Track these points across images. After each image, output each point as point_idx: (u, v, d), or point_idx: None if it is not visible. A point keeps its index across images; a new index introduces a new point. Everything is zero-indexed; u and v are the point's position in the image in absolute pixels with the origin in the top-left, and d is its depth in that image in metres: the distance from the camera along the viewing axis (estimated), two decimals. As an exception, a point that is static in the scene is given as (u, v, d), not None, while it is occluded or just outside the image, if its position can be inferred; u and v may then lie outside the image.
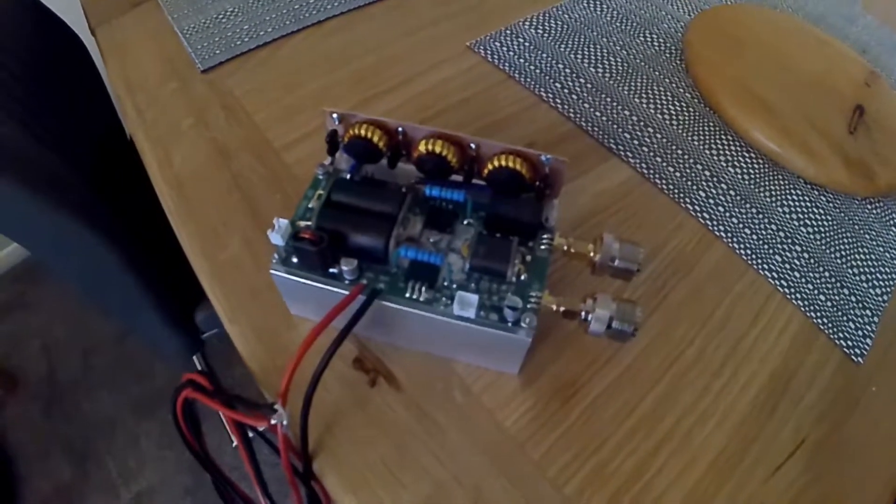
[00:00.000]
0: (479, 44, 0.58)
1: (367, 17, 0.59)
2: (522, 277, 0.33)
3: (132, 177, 0.79)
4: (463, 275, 0.33)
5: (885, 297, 0.44)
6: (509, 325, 0.31)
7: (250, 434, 0.36)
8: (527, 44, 0.58)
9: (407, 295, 0.32)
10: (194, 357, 1.09)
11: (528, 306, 0.31)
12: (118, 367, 1.08)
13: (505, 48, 0.57)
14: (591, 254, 0.33)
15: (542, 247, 0.34)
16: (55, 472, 0.99)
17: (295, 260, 0.32)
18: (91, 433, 1.02)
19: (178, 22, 0.54)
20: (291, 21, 0.56)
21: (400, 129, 0.35)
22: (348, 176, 0.36)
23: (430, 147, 0.33)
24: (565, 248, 0.34)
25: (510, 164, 0.33)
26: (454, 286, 0.32)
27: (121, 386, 1.06)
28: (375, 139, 0.34)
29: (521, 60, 0.56)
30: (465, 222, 0.35)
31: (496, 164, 0.33)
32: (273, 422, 0.30)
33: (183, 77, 0.51)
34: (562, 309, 0.32)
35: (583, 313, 0.31)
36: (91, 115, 0.76)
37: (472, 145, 0.34)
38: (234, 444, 1.01)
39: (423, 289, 0.32)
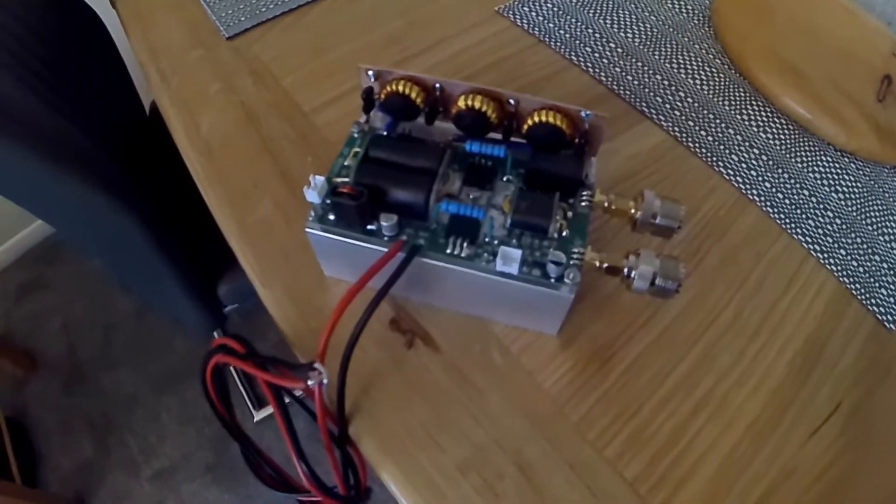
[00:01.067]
0: (508, 8, 0.57)
1: (395, -18, 0.58)
2: (564, 234, 0.32)
3: (153, 151, 0.80)
4: (504, 230, 0.32)
5: (919, 265, 0.43)
6: (552, 280, 0.30)
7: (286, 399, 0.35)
8: (555, 9, 0.57)
9: (448, 251, 0.31)
10: (215, 333, 1.10)
11: (571, 262, 0.31)
12: (138, 344, 1.08)
13: (534, 13, 0.57)
14: (632, 210, 0.33)
15: (583, 203, 0.33)
16: (76, 449, 1.00)
17: (332, 217, 0.32)
18: (111, 410, 1.02)
19: (203, -12, 0.54)
20: (317, -13, 0.55)
21: (437, 85, 0.34)
22: (385, 133, 0.35)
23: (469, 102, 0.33)
24: (606, 204, 0.33)
25: (551, 120, 0.33)
26: (495, 242, 0.32)
27: (141, 362, 1.07)
28: (413, 95, 0.34)
29: (551, 25, 0.56)
30: (505, 179, 0.34)
31: (536, 119, 0.33)
32: (310, 382, 0.29)
33: (208, 45, 0.51)
34: (605, 265, 0.31)
35: (626, 269, 0.31)
36: (110, 91, 0.76)
37: (512, 101, 0.34)
38: (256, 419, 1.02)
39: (465, 245, 0.31)
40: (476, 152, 0.33)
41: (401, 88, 0.34)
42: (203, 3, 0.53)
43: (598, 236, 0.40)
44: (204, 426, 1.02)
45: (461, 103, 0.33)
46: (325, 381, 0.29)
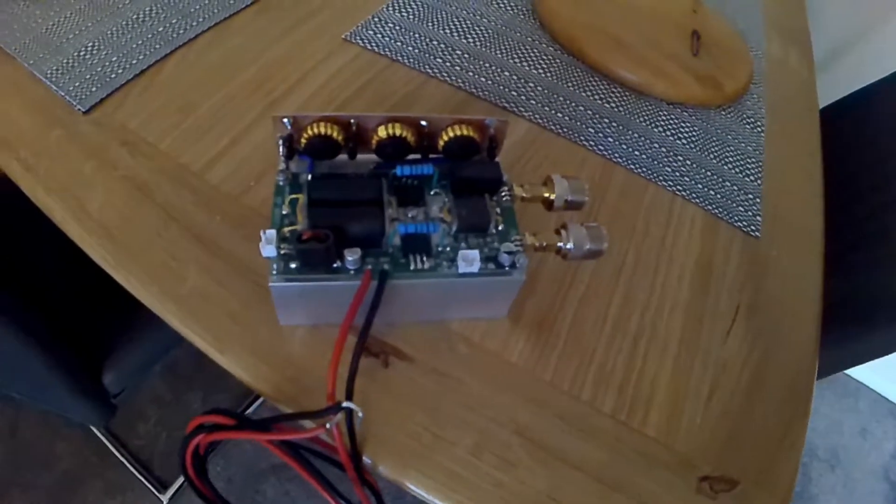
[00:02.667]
0: (354, 34, 0.59)
1: (236, 28, 0.58)
2: (500, 227, 0.36)
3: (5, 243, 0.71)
4: (451, 238, 0.36)
5: (758, 182, 0.54)
6: (506, 269, 0.35)
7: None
8: (397, 28, 0.61)
9: (412, 268, 0.34)
10: (97, 431, 1.00)
11: (517, 249, 0.35)
12: (20, 462, 0.96)
13: (379, 35, 0.60)
14: (546, 194, 0.38)
15: (505, 198, 0.38)
16: None
17: (293, 266, 0.33)
18: (17, 542, 0.90)
19: (38, 67, 0.49)
20: (161, 44, 0.53)
21: (352, 120, 0.36)
22: (309, 176, 0.37)
23: (390, 131, 0.36)
24: (523, 195, 0.38)
25: (464, 132, 0.37)
26: (448, 249, 0.35)
27: (30, 480, 0.95)
28: (334, 134, 0.36)
29: (398, 44, 0.59)
30: (433, 192, 0.38)
31: (451, 134, 0.37)
32: (328, 426, 0.31)
33: (65, 122, 0.47)
34: (543, 244, 0.36)
35: (560, 244, 0.36)
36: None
37: (423, 123, 0.37)
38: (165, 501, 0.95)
39: (424, 258, 0.34)
40: (408, 174, 0.36)
41: (321, 130, 0.35)
42: (45, 80, 0.49)
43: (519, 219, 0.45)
44: (121, 526, 0.94)
45: (381, 133, 0.36)
46: (360, 414, 0.30)
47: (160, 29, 0.54)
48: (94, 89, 0.49)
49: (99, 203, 0.44)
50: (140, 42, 0.53)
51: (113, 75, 0.50)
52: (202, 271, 0.41)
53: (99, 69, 0.50)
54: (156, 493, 0.97)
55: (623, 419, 0.38)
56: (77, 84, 0.49)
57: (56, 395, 0.65)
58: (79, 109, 0.48)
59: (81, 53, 0.51)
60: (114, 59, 0.51)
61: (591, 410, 0.38)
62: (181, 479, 0.98)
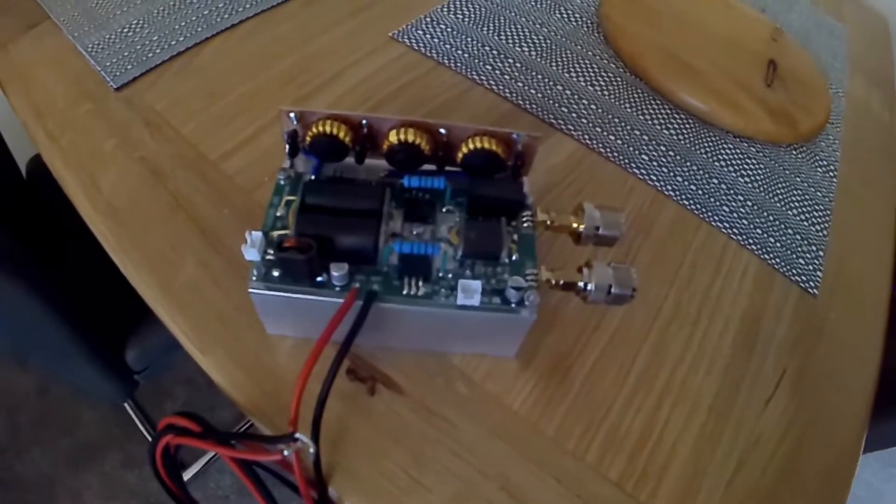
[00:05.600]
0: (402, 33, 0.56)
1: (282, 17, 0.56)
2: (514, 257, 0.32)
3: (35, 215, 0.72)
4: (455, 262, 0.32)
5: (825, 232, 0.47)
6: (513, 305, 0.30)
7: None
8: (449, 29, 0.58)
9: (404, 292, 0.30)
10: (125, 404, 1.01)
11: (528, 284, 0.31)
12: (45, 423, 0.99)
13: (428, 35, 0.57)
14: (574, 225, 0.33)
15: (525, 224, 0.33)
16: (-5, 546, 0.89)
17: (276, 274, 0.30)
18: (30, 496, 0.93)
19: (81, 40, 0.49)
20: (203, 27, 0.52)
21: (364, 121, 0.33)
22: (313, 177, 0.34)
23: (402, 136, 0.32)
24: (548, 222, 0.34)
25: (486, 146, 0.33)
26: (450, 276, 0.31)
27: (52, 441, 0.98)
28: (341, 135, 0.32)
29: (447, 46, 0.56)
30: (445, 210, 0.34)
31: (471, 146, 0.33)
32: (286, 453, 0.28)
33: (96, 97, 0.46)
34: (561, 282, 0.32)
35: (581, 283, 0.32)
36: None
37: (443, 130, 0.33)
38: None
39: (420, 283, 0.30)
40: (416, 187, 0.33)
41: (327, 129, 0.32)
42: (85, 54, 0.48)
43: (539, 250, 0.41)
44: (130, 499, 0.94)
45: (392, 138, 0.33)
46: (312, 449, 0.27)
47: (205, 12, 0.53)
48: (129, 67, 0.48)
49: (111, 182, 0.42)
50: (183, 24, 0.52)
51: (150, 54, 0.49)
52: (199, 265, 0.39)
53: (138, 47, 0.50)
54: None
55: (629, 490, 0.33)
56: (115, 60, 0.48)
57: (77, 367, 0.65)
58: (111, 86, 0.47)
59: (125, 30, 0.51)
60: (154, 38, 0.50)
61: (595, 475, 0.33)
62: (201, 463, 0.98)
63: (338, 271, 0.29)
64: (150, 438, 1.00)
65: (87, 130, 0.45)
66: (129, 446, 0.99)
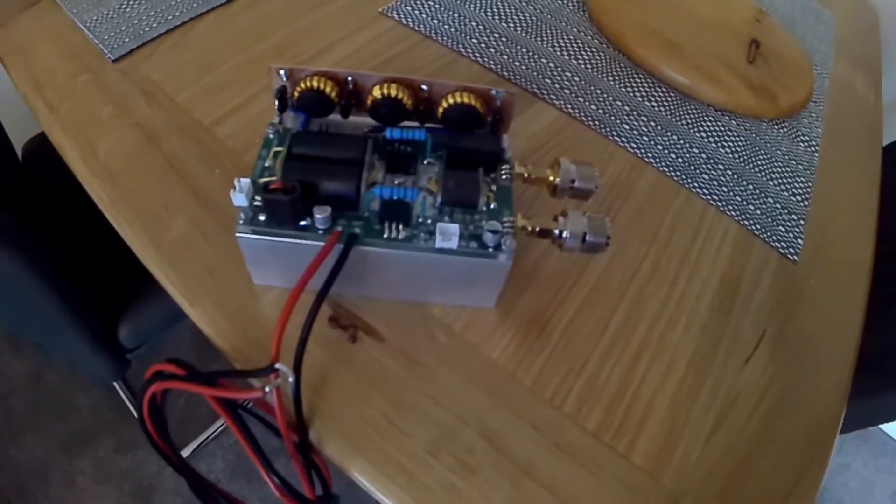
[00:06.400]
0: (392, 9, 0.58)
1: (275, -6, 0.58)
2: (492, 206, 0.33)
3: (32, 196, 0.74)
4: (434, 210, 0.33)
5: (806, 203, 0.48)
6: (490, 250, 0.31)
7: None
8: (438, 6, 0.59)
9: (385, 236, 0.31)
10: (116, 384, 1.02)
11: (505, 230, 0.32)
12: (40, 408, 1.00)
13: (417, 11, 0.58)
14: (551, 178, 0.34)
15: (504, 176, 0.35)
16: (-11, 530, 0.90)
17: (262, 218, 0.31)
18: (24, 481, 0.93)
19: (80, 16, 0.51)
20: (199, 2, 0.53)
21: (350, 77, 0.34)
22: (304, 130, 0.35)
23: (385, 91, 0.33)
24: (525, 174, 0.35)
25: (465, 100, 0.34)
26: (429, 221, 0.32)
27: (46, 426, 0.98)
28: (327, 90, 0.34)
29: (435, 21, 0.57)
30: (426, 162, 0.35)
31: (451, 101, 0.34)
32: (267, 389, 0.28)
33: (93, 69, 0.48)
34: (537, 228, 0.33)
35: (557, 231, 0.32)
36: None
37: (424, 87, 0.34)
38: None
39: (400, 227, 0.31)
40: (397, 138, 0.34)
41: (315, 84, 0.33)
42: (83, 28, 0.50)
43: (519, 205, 0.42)
44: (123, 483, 0.95)
45: (376, 93, 0.34)
46: (290, 379, 0.28)
47: (201, -11, 0.55)
48: (126, 40, 0.49)
49: (108, 147, 0.44)
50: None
51: (147, 28, 0.51)
52: (190, 223, 0.40)
53: (136, 22, 0.51)
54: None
55: (607, 440, 0.34)
56: (112, 34, 0.50)
57: (70, 342, 0.66)
58: (109, 58, 0.48)
59: (122, 6, 0.52)
60: (151, 13, 0.52)
61: (572, 425, 0.34)
62: (193, 445, 0.98)
63: (321, 213, 0.30)
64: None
65: (84, 100, 0.46)
66: (123, 430, 1.00)
